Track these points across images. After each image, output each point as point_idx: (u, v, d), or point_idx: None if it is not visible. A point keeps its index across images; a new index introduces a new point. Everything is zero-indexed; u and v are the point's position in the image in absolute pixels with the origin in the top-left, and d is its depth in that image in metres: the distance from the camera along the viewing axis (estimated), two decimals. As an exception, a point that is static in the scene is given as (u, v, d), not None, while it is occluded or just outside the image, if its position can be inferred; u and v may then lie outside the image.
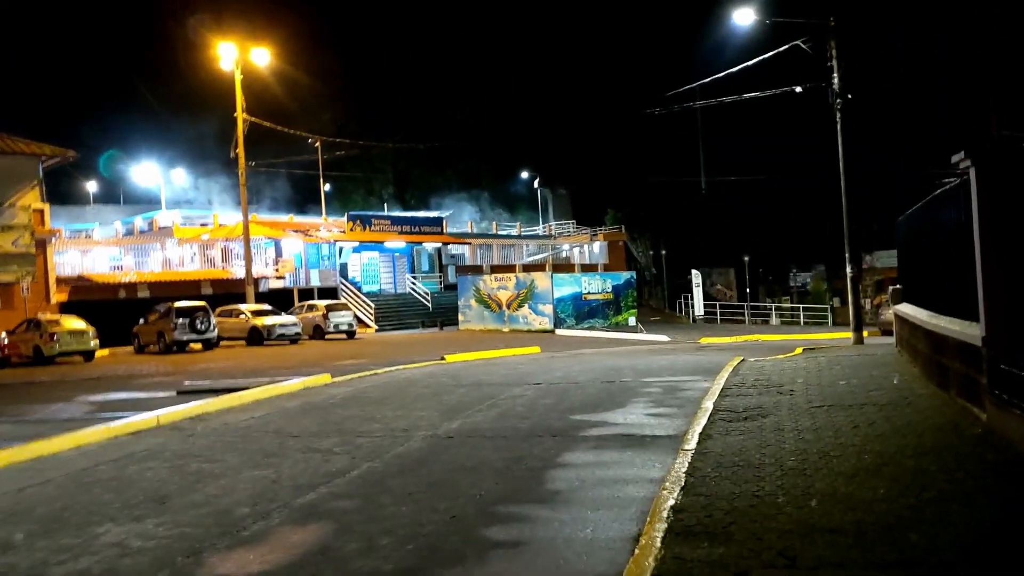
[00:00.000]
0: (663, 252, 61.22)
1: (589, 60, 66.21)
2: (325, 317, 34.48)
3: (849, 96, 22.82)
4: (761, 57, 23.38)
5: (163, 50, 61.17)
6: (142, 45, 62.59)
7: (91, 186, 65.91)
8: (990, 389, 7.72)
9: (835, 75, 22.77)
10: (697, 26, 78.71)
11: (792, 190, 52.00)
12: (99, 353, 29.09)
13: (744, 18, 22.59)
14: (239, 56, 34.31)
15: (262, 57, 35.08)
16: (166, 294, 36.38)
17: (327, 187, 55.34)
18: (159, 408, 12.39)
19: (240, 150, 34.74)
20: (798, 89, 24.52)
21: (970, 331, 8.13)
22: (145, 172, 54.87)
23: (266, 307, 33.97)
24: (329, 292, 41.87)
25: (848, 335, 23.75)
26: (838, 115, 22.95)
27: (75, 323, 28.42)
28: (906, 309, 13.15)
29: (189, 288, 38.27)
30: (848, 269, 22.91)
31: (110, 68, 66.93)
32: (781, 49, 23.02)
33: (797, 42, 22.70)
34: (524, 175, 72.19)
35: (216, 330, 30.69)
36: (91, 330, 28.40)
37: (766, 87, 24.82)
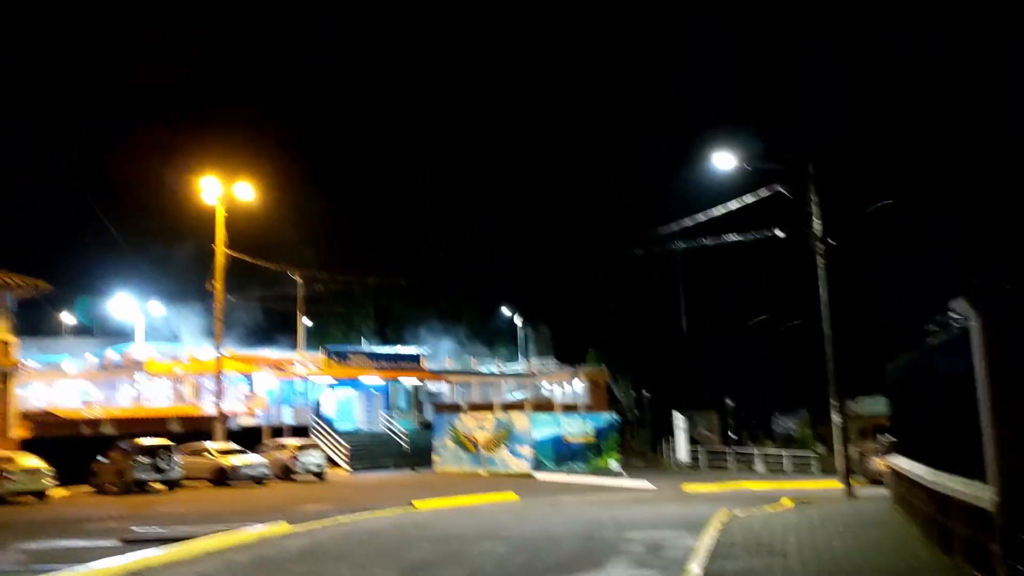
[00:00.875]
0: (645, 393, 60.44)
1: (573, 198, 67.25)
2: (294, 457, 33.17)
3: (830, 241, 22.76)
4: (741, 201, 23.45)
5: (143, 181, 61.53)
6: (122, 176, 62.92)
7: (66, 317, 65.08)
8: (1004, 559, 6.99)
9: (815, 220, 22.79)
10: (678, 163, 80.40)
11: (776, 331, 51.82)
12: (56, 492, 27.60)
13: (724, 162, 22.71)
14: (222, 190, 34.36)
15: (245, 191, 35.16)
16: (132, 431, 35.09)
17: (306, 321, 54.76)
18: (99, 560, 11.32)
19: (219, 284, 34.30)
20: (780, 234, 24.53)
21: (980, 493, 7.43)
22: (120, 304, 54.27)
23: (233, 446, 32.68)
24: (302, 430, 40.60)
25: (836, 484, 22.89)
26: (820, 260, 22.83)
27: (30, 461, 27.04)
28: (902, 463, 12.43)
29: (156, 425, 37.03)
30: (834, 417, 22.25)
31: (87, 197, 67.14)
32: (760, 193, 23.13)
33: (776, 187, 22.82)
34: (505, 311, 72.10)
35: (179, 469, 29.37)
36: (46, 469, 27.00)
37: (749, 227, 24.80)
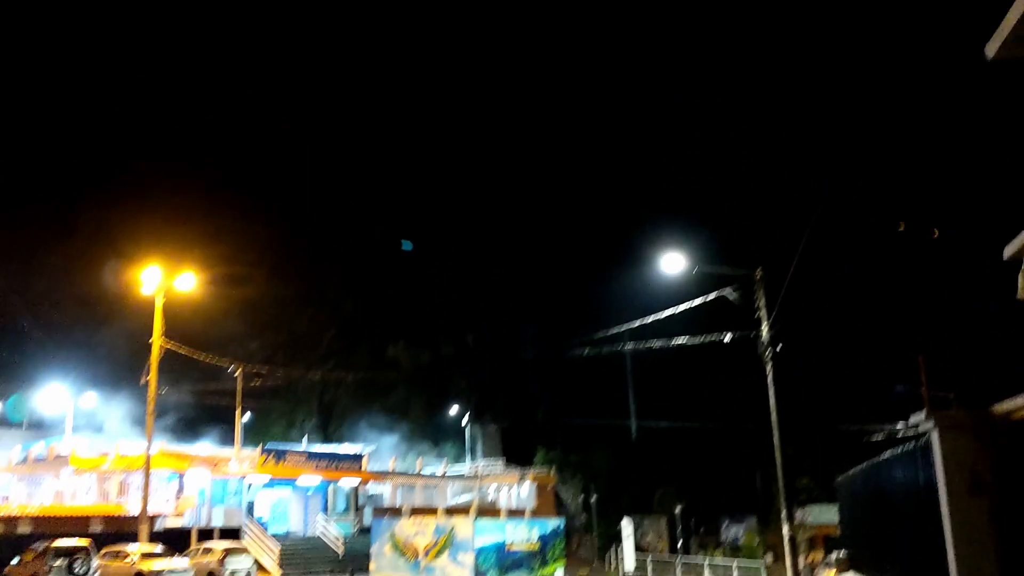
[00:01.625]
0: (594, 497, 59.18)
1: (520, 296, 67.18)
2: (221, 562, 31.34)
3: (780, 346, 22.54)
4: (689, 304, 23.24)
5: (79, 266, 59.75)
6: (56, 265, 61.05)
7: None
8: None
9: (764, 326, 22.61)
10: (625, 264, 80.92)
11: (724, 437, 51.41)
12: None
13: (672, 265, 22.53)
14: (163, 280, 33.38)
15: (187, 282, 34.21)
16: (52, 530, 33.10)
17: (246, 418, 53.00)
18: None
19: (153, 379, 32.94)
20: (727, 338, 24.29)
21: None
22: (51, 396, 52.07)
23: (157, 549, 30.80)
24: (232, 532, 38.63)
25: (785, 598, 22.06)
26: (768, 366, 22.54)
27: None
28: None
29: (78, 524, 34.95)
30: (785, 529, 21.56)
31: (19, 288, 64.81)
32: (709, 297, 22.96)
33: (724, 291, 22.67)
34: (454, 409, 70.86)
35: (97, 573, 27.62)
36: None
37: (699, 329, 24.56)
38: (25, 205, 61.64)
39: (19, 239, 54.64)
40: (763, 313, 22.38)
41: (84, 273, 53.60)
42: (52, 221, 59.02)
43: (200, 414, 57.51)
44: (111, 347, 51.46)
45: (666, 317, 25.12)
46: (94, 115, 78.70)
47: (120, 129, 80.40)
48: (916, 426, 7.15)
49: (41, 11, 77.70)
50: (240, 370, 42.18)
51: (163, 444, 40.80)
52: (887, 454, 9.18)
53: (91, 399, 54.44)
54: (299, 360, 58.29)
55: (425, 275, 69.12)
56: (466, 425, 68.74)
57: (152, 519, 34.51)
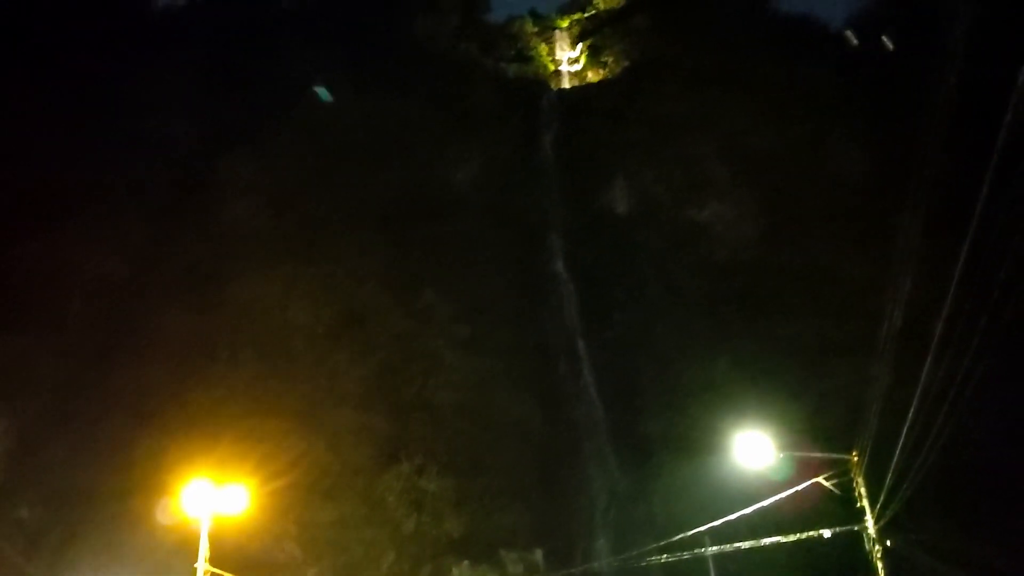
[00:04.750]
0: None
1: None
2: None
3: (888, 543, 19.50)
4: (779, 496, 20.54)
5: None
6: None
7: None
8: None
9: (868, 518, 19.71)
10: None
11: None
12: None
13: (751, 449, 20.14)
14: (209, 498, 31.41)
15: (237, 501, 32.21)
16: None
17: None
18: None
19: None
20: (826, 534, 21.29)
21: None
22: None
23: None
24: None
25: None
26: (879, 566, 19.43)
27: None
28: None
29: None
30: None
31: None
32: (800, 487, 20.28)
33: (819, 479, 20.02)
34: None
35: None
36: None
37: (793, 526, 21.57)
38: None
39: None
40: (866, 503, 19.52)
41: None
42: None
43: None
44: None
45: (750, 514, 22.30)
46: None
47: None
48: None
49: None
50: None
51: None
52: None
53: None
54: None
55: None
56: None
57: None
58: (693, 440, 42.32)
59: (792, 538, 21.98)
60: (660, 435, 47.07)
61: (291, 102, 65.10)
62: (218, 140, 62.16)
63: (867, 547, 19.45)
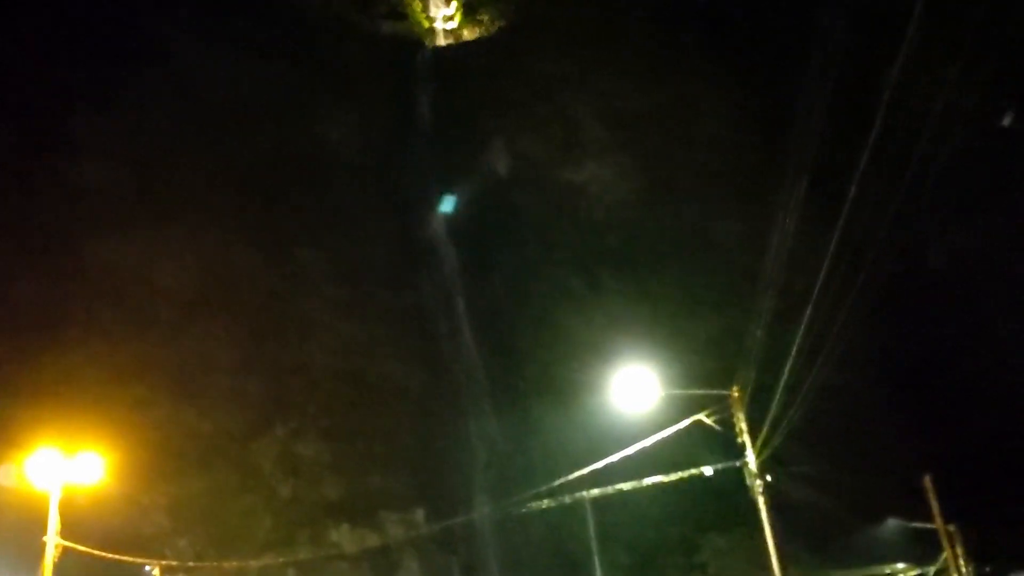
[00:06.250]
0: None
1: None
2: None
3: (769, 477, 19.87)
4: (662, 434, 20.62)
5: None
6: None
7: None
8: None
9: (748, 453, 20.00)
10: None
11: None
12: None
13: (631, 389, 20.16)
14: (60, 467, 29.42)
15: (92, 468, 30.28)
16: None
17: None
18: None
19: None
20: (708, 472, 21.55)
21: None
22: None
23: None
24: None
25: None
26: (760, 500, 19.77)
27: None
28: None
29: None
30: None
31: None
32: (682, 425, 20.41)
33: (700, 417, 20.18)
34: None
35: None
36: None
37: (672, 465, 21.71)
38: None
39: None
40: (746, 438, 19.78)
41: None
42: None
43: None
44: None
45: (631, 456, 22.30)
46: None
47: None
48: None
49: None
50: (159, 570, 37.33)
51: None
52: None
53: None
54: (234, 554, 52.86)
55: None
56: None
57: None
58: (571, 395, 42.72)
59: (673, 477, 22.15)
60: (538, 390, 47.38)
61: (150, 59, 61.47)
62: (68, 98, 58.08)
63: (748, 482, 19.74)
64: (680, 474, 21.74)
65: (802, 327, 18.72)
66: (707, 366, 33.89)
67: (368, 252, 56.87)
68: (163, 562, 38.75)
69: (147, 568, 37.81)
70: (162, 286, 50.62)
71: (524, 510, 28.41)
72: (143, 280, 50.65)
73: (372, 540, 61.00)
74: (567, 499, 24.53)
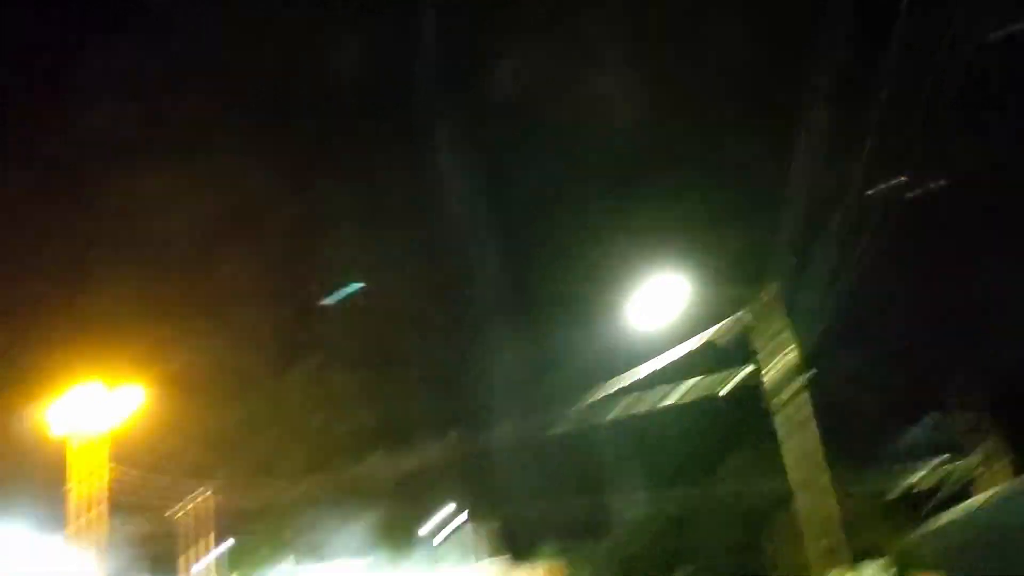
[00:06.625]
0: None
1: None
2: None
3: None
4: (674, 353, 20.53)
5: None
6: None
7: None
8: None
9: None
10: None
11: (736, 503, 47.85)
12: None
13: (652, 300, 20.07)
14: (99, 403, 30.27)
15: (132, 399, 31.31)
16: None
17: (219, 548, 48.82)
18: None
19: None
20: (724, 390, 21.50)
21: None
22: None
23: None
24: None
25: None
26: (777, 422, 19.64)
27: None
28: None
29: None
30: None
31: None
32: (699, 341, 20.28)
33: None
34: (446, 512, 67.12)
35: None
36: None
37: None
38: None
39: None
40: (788, 333, 19.41)
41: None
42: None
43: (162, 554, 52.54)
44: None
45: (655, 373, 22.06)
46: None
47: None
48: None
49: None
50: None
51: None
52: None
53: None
54: (272, 484, 54.23)
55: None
56: (456, 529, 64.90)
57: None
58: (597, 315, 42.55)
59: (693, 396, 21.91)
60: (563, 312, 47.33)
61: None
62: (64, 35, 57.30)
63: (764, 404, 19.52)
64: (723, 372, 21.08)
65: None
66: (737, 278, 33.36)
67: (386, 179, 56.63)
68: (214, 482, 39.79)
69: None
70: (185, 219, 50.80)
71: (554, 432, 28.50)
72: (164, 214, 50.84)
73: (407, 464, 62.54)
74: (594, 420, 24.48)
